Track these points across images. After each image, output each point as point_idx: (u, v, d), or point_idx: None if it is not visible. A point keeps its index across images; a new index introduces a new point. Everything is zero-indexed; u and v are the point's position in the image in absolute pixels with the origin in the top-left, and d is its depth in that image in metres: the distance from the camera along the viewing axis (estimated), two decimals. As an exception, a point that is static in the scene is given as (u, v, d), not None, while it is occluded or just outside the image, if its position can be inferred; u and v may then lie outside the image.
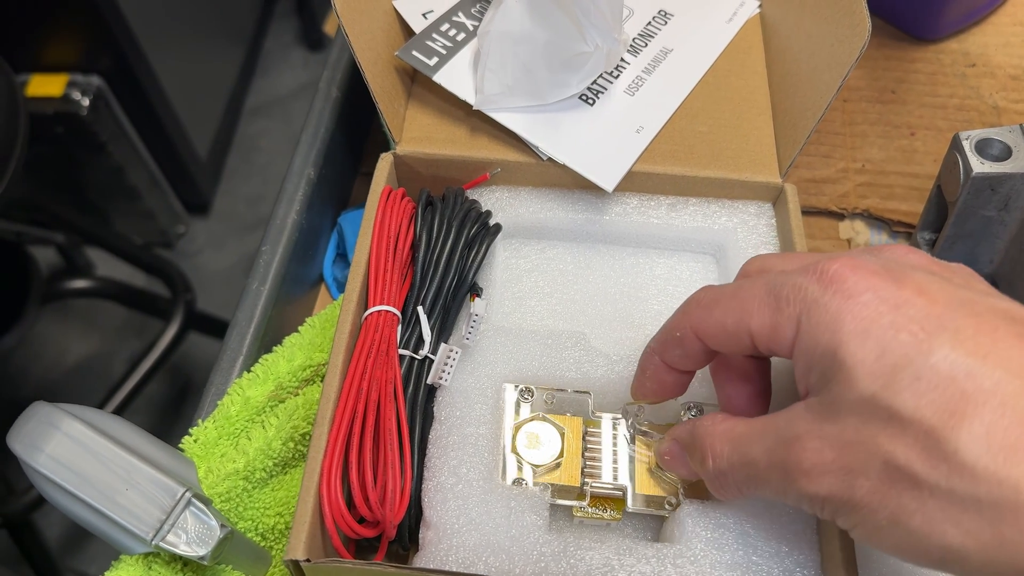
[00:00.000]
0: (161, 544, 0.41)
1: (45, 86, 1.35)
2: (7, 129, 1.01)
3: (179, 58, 1.51)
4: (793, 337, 0.34)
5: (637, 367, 0.43)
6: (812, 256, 0.36)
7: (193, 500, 0.42)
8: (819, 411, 0.32)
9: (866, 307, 0.31)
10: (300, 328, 0.53)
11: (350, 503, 0.42)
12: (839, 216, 0.61)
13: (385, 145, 0.54)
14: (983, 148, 0.50)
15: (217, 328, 1.44)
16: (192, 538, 0.41)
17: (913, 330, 0.30)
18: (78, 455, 0.41)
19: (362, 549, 0.45)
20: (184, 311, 1.38)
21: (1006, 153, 0.49)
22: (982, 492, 0.28)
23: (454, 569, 0.40)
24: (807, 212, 0.61)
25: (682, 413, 0.46)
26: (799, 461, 0.32)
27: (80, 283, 1.45)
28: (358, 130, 0.66)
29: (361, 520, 0.42)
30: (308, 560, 0.38)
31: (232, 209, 1.71)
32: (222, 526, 0.41)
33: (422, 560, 0.41)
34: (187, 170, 1.60)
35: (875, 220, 0.61)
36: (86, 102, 1.35)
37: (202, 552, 0.41)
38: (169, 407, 1.49)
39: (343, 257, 0.61)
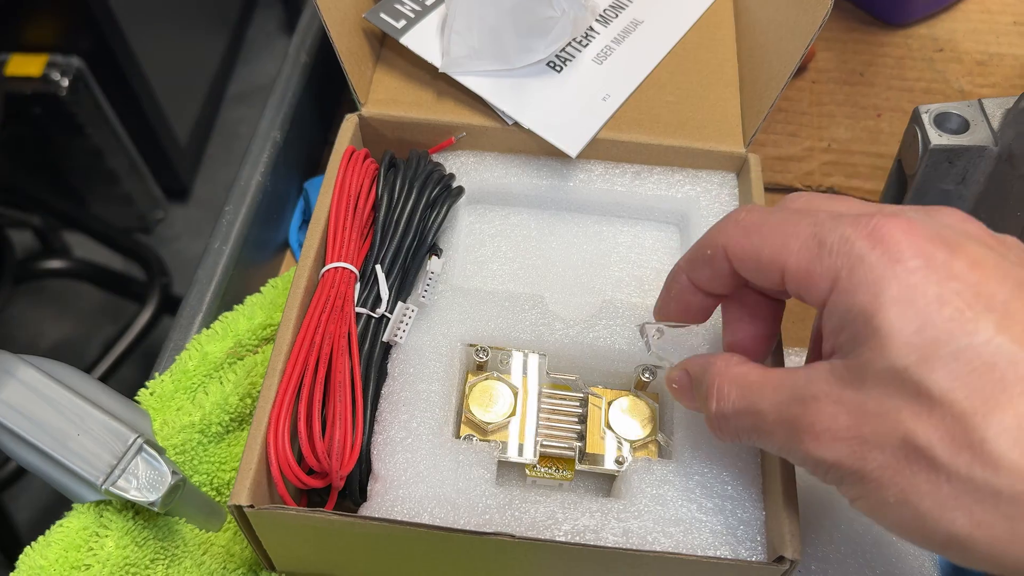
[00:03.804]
0: (111, 489, 0.41)
1: (24, 66, 1.34)
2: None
3: (161, 42, 1.50)
4: (828, 290, 0.32)
5: (663, 286, 0.42)
6: (863, 206, 0.35)
7: (145, 447, 0.42)
8: (843, 375, 0.31)
9: (913, 274, 0.29)
10: (262, 288, 0.53)
11: (299, 454, 0.42)
12: (803, 194, 0.62)
13: (356, 113, 0.54)
14: (941, 122, 0.50)
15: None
16: (143, 484, 0.41)
17: (959, 306, 0.29)
18: (31, 401, 0.41)
19: (315, 504, 0.45)
20: (160, 294, 1.37)
21: (964, 127, 0.50)
22: (1004, 485, 0.27)
23: (399, 519, 0.40)
24: (773, 189, 0.62)
25: (639, 376, 0.46)
26: (812, 423, 0.31)
27: (55, 263, 1.44)
28: (328, 98, 0.66)
29: (310, 471, 0.42)
30: (252, 506, 0.38)
31: (211, 196, 1.70)
32: (173, 473, 0.41)
33: (368, 510, 0.41)
34: (167, 155, 1.59)
35: (839, 198, 0.61)
36: (65, 83, 1.34)
37: (152, 497, 0.41)
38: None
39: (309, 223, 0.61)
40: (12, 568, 1.24)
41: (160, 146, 1.56)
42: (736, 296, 0.39)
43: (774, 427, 0.33)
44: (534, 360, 0.47)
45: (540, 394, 0.46)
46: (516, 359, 0.47)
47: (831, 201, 0.36)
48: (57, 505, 1.39)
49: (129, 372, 1.43)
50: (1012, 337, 0.28)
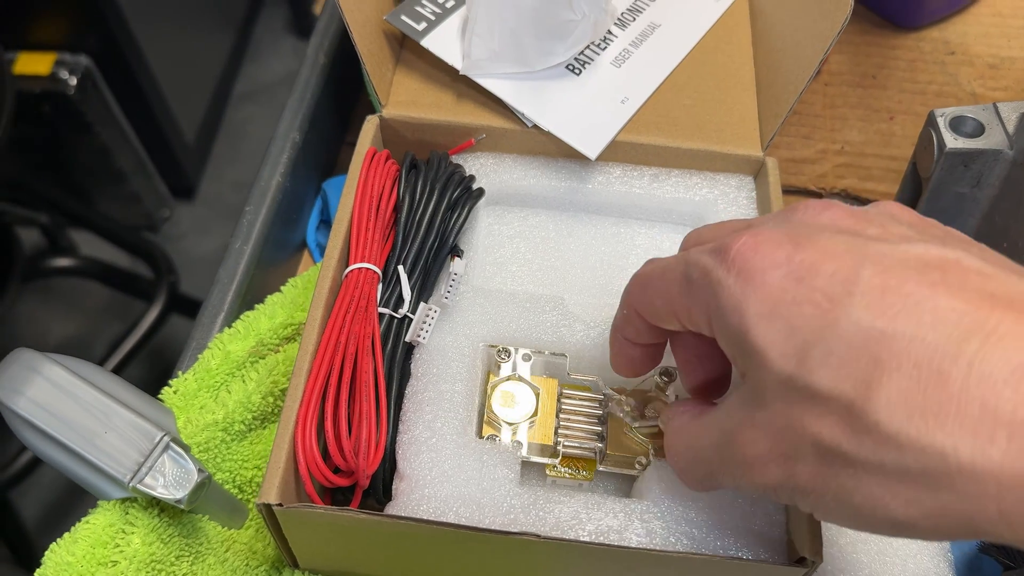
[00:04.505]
0: (138, 487, 0.41)
1: (32, 64, 1.35)
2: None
3: (168, 40, 1.51)
4: (708, 322, 0.33)
5: (609, 345, 0.42)
6: (733, 226, 0.35)
7: (171, 444, 0.42)
8: (748, 399, 0.31)
9: (769, 286, 0.30)
10: (282, 288, 0.53)
11: (325, 452, 0.42)
12: (817, 196, 0.63)
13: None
14: (957, 125, 0.51)
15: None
16: (169, 481, 0.42)
17: (817, 300, 0.29)
18: (58, 399, 0.42)
19: (338, 503, 0.46)
20: (167, 292, 1.37)
21: (979, 130, 0.50)
22: (911, 462, 0.27)
23: (425, 518, 0.41)
24: (786, 191, 0.62)
25: (656, 378, 0.47)
26: (743, 454, 0.32)
27: (63, 261, 1.44)
28: (345, 99, 0.66)
29: (336, 470, 0.42)
30: (280, 504, 0.39)
31: (218, 195, 1.71)
32: (200, 470, 0.42)
33: (394, 509, 0.41)
34: (174, 154, 1.59)
35: (853, 200, 0.62)
36: (73, 81, 1.34)
37: (179, 495, 0.41)
38: (150, 390, 1.47)
39: (327, 224, 0.61)
40: (19, 565, 1.25)
41: (167, 145, 1.57)
42: (678, 340, 0.39)
43: (721, 468, 0.34)
44: (555, 361, 0.47)
45: (561, 395, 0.47)
46: (537, 360, 0.47)
47: (713, 230, 0.37)
48: (65, 503, 1.39)
49: (136, 370, 1.44)
50: (875, 314, 0.28)
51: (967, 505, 0.26)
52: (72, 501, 1.38)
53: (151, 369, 1.49)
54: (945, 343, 0.27)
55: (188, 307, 1.41)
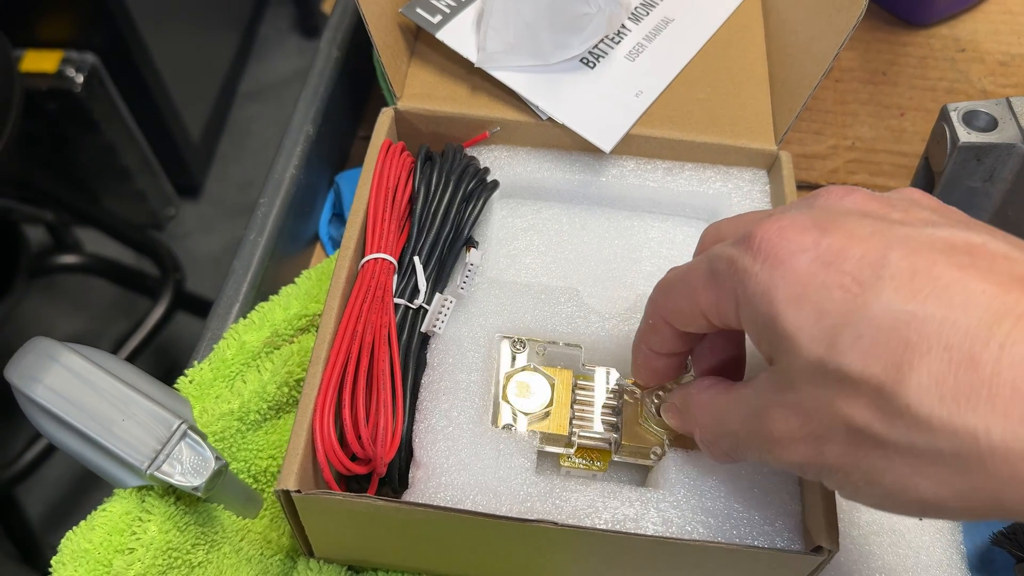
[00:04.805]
0: (156, 474, 0.41)
1: (39, 62, 1.35)
2: (2, 102, 1.00)
3: (174, 38, 1.51)
4: (735, 310, 0.33)
5: (631, 355, 0.43)
6: (754, 217, 0.36)
7: (189, 432, 0.42)
8: (778, 381, 0.32)
9: (797, 271, 0.30)
10: (297, 279, 0.54)
11: (342, 440, 0.42)
12: (829, 191, 0.63)
13: (386, 108, 0.54)
14: (970, 120, 0.51)
15: (205, 309, 1.43)
16: (187, 469, 0.42)
17: (846, 284, 0.29)
18: (75, 387, 0.42)
19: (353, 492, 0.46)
20: (172, 290, 1.37)
21: (992, 125, 0.51)
22: (942, 444, 0.27)
23: (442, 505, 0.41)
24: (797, 186, 0.62)
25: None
26: (771, 431, 0.32)
27: (69, 259, 1.44)
28: (358, 93, 0.67)
29: (353, 457, 0.43)
30: (299, 491, 0.39)
31: (223, 193, 1.71)
32: (217, 458, 0.42)
33: (411, 497, 0.41)
34: (179, 152, 1.60)
35: (864, 196, 0.62)
36: (80, 79, 1.34)
37: (197, 482, 0.42)
38: (156, 387, 1.48)
39: (339, 217, 0.62)
40: (25, 563, 1.24)
41: (172, 143, 1.57)
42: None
43: (748, 442, 0.34)
44: (570, 352, 0.48)
45: (575, 386, 0.47)
46: (552, 351, 0.48)
47: (732, 224, 0.37)
48: (70, 500, 1.39)
49: (141, 367, 1.43)
50: (905, 297, 0.28)
51: (998, 486, 0.27)
52: (77, 498, 1.38)
53: (156, 366, 1.49)
54: (976, 326, 0.27)
55: (193, 305, 1.42)
